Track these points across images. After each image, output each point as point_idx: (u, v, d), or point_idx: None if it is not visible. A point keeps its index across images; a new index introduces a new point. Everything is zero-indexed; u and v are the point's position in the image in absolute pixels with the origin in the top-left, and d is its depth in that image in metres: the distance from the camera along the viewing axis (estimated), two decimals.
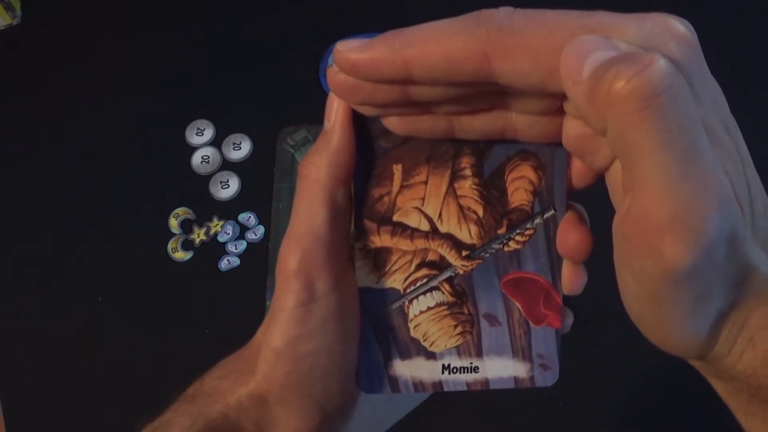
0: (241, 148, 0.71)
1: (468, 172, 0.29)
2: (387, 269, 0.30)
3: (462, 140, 0.29)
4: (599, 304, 0.63)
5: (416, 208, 0.29)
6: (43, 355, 0.63)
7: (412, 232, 0.30)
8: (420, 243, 0.30)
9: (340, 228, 0.28)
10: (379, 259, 0.30)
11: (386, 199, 0.29)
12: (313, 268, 0.27)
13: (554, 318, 0.31)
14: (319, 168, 0.27)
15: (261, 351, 0.28)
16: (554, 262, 0.30)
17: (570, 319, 0.32)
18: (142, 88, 0.74)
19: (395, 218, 0.29)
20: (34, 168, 0.72)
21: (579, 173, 0.29)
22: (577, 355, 0.61)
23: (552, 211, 0.30)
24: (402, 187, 0.29)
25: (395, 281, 0.30)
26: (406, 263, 0.30)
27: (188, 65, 0.76)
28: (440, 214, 0.29)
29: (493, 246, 0.30)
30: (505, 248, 0.30)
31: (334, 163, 0.27)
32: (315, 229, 0.27)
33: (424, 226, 0.30)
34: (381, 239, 0.30)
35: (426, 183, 0.29)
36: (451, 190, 0.29)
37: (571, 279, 0.30)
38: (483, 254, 0.30)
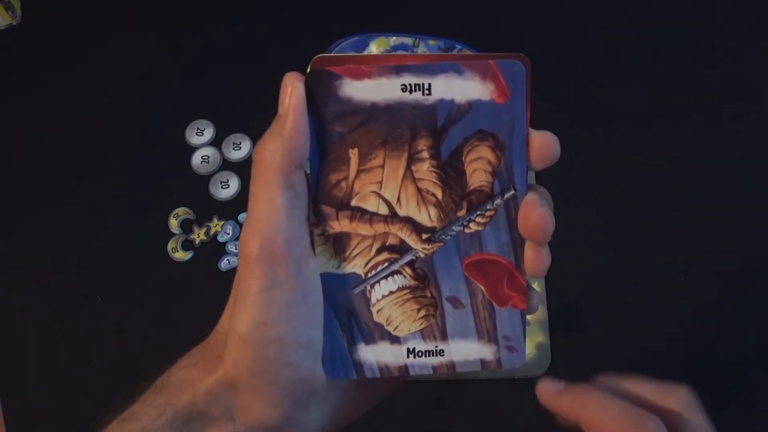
0: (241, 148, 0.71)
1: (425, 154, 0.29)
2: (347, 254, 0.30)
3: (418, 122, 0.29)
4: (596, 306, 0.63)
5: (374, 192, 0.30)
6: (43, 355, 0.63)
7: (371, 217, 0.30)
8: (380, 227, 0.30)
9: (299, 213, 0.28)
10: (339, 245, 0.30)
11: (344, 184, 0.29)
12: (274, 253, 0.27)
13: (519, 299, 0.31)
14: (273, 153, 0.28)
15: (228, 338, 0.28)
16: (516, 243, 0.30)
17: (536, 300, 0.32)
18: (142, 88, 0.74)
19: (353, 203, 0.30)
20: (34, 168, 0.72)
21: (538, 153, 0.29)
22: (574, 356, 0.61)
23: (512, 191, 0.29)
24: (359, 171, 0.29)
25: (356, 266, 0.30)
26: (366, 248, 0.30)
27: (188, 65, 0.76)
28: (399, 198, 0.30)
29: (454, 228, 0.30)
30: (466, 230, 0.30)
31: (288, 148, 0.28)
32: (273, 215, 0.27)
33: (383, 210, 0.30)
34: (340, 224, 0.30)
35: (383, 167, 0.29)
36: (408, 174, 0.29)
37: (534, 261, 0.30)
38: (443, 237, 0.30)
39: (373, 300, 0.30)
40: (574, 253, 0.63)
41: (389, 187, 0.29)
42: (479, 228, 0.30)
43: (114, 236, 0.68)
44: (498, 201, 0.29)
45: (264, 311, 0.27)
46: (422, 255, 0.30)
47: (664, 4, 0.76)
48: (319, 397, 0.30)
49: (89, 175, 0.71)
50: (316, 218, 0.30)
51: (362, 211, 0.30)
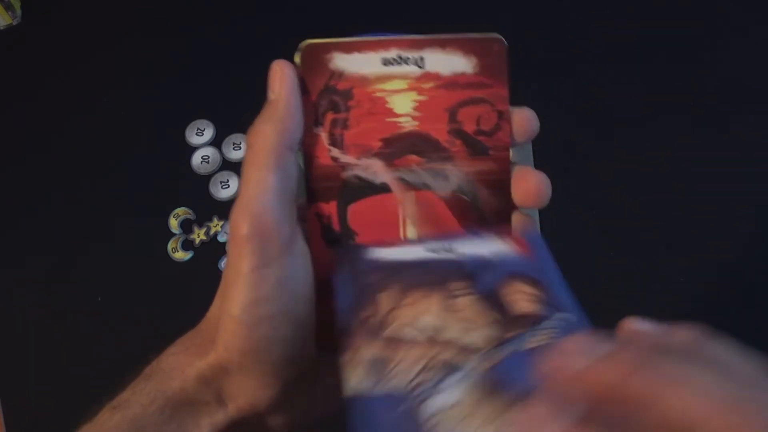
0: (241, 148, 0.71)
1: (460, 293, 0.28)
2: (386, 374, 0.26)
3: (448, 273, 0.28)
4: (596, 306, 0.63)
5: (408, 324, 0.27)
6: (43, 355, 0.63)
7: (409, 344, 0.26)
8: (422, 349, 0.26)
9: (288, 193, 0.29)
10: (375, 367, 0.26)
11: (374, 319, 0.27)
12: (264, 232, 0.28)
13: None
14: (266, 136, 0.29)
15: (220, 320, 0.29)
16: None
17: None
18: (142, 88, 0.74)
19: (387, 334, 0.27)
20: (34, 168, 0.72)
21: (519, 128, 0.30)
22: None
23: (566, 314, 0.27)
24: (392, 309, 0.28)
25: (398, 382, 0.26)
26: (410, 365, 0.26)
27: (188, 65, 0.76)
28: (438, 327, 0.27)
29: (509, 347, 0.26)
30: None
31: (281, 130, 0.29)
32: (264, 195, 0.28)
33: (422, 337, 0.26)
34: (373, 352, 0.26)
35: (416, 304, 0.27)
36: (446, 305, 0.27)
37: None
38: (499, 353, 0.26)
39: (426, 415, 0.25)
40: (574, 253, 0.63)
41: (426, 319, 0.27)
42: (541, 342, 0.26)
43: (114, 236, 0.68)
44: (555, 321, 0.27)
45: (256, 289, 0.28)
46: (479, 371, 0.26)
47: (664, 4, 0.76)
48: (308, 379, 0.30)
49: (89, 175, 0.71)
50: (343, 347, 0.27)
51: (398, 340, 0.27)
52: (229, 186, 0.69)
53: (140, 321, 0.64)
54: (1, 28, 0.78)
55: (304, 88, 0.29)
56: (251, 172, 0.28)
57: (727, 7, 0.76)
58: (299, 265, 0.29)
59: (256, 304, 0.28)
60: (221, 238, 0.67)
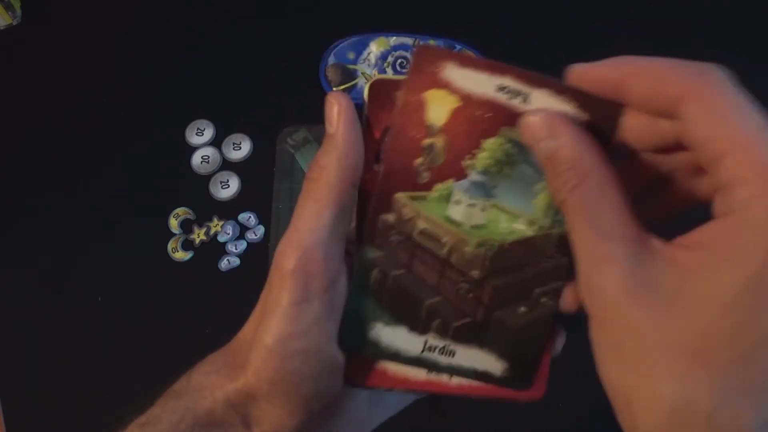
0: (241, 148, 0.71)
1: None
2: None
3: None
4: None
5: None
6: (43, 355, 0.63)
7: None
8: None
9: (341, 231, 0.28)
10: None
11: None
12: (311, 267, 0.27)
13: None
14: (329, 171, 0.28)
15: (253, 347, 0.28)
16: None
17: (561, 344, 0.32)
18: (142, 88, 0.74)
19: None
20: (33, 168, 0.72)
21: None
22: (570, 354, 0.61)
23: None
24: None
25: None
26: None
27: (188, 65, 0.76)
28: None
29: None
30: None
31: (343, 166, 0.28)
32: (318, 230, 0.27)
33: None
34: None
35: None
36: None
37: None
38: None
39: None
40: None
41: None
42: None
43: (114, 236, 0.68)
44: None
45: (293, 323, 0.27)
46: None
47: (665, 5, 0.76)
48: (333, 410, 0.30)
49: (89, 175, 0.71)
50: None
51: None
52: (229, 186, 0.69)
53: (140, 321, 0.64)
54: (1, 28, 0.78)
55: (368, 124, 0.29)
56: (308, 206, 0.28)
57: (728, 8, 0.76)
58: (340, 302, 0.29)
59: (292, 338, 0.27)
60: (221, 238, 0.67)
